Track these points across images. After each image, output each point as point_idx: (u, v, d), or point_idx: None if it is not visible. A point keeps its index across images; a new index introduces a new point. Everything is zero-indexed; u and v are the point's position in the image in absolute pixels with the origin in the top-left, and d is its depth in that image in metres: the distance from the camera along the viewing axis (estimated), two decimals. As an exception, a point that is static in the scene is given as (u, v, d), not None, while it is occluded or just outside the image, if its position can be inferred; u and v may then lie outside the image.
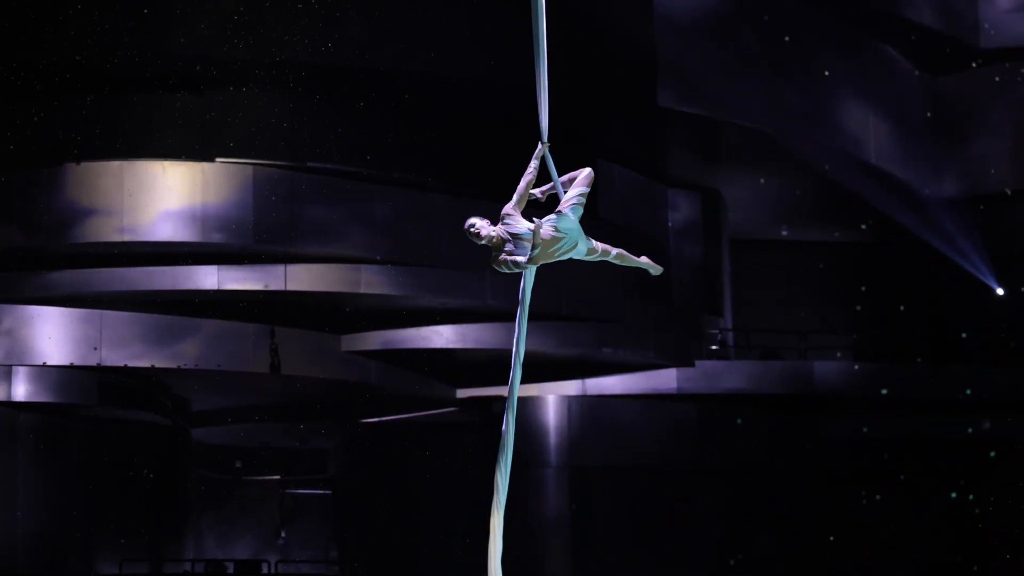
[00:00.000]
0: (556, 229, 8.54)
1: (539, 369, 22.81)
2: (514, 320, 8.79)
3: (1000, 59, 25.48)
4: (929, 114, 25.95)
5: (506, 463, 8.75)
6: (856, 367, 25.42)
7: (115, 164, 19.65)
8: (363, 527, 26.82)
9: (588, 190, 8.62)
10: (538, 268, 8.74)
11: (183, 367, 21.36)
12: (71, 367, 21.14)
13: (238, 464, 28.77)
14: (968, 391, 25.05)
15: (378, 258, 20.61)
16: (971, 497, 26.46)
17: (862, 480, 26.21)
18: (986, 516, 26.57)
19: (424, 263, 20.84)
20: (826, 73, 24.03)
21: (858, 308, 28.88)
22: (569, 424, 24.19)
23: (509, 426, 8.78)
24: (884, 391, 25.02)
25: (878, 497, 26.31)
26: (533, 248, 8.50)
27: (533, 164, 8.64)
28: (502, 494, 8.61)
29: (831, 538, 25.67)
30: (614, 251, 8.88)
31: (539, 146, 8.64)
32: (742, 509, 25.20)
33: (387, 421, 26.67)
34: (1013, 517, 26.31)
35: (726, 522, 25.08)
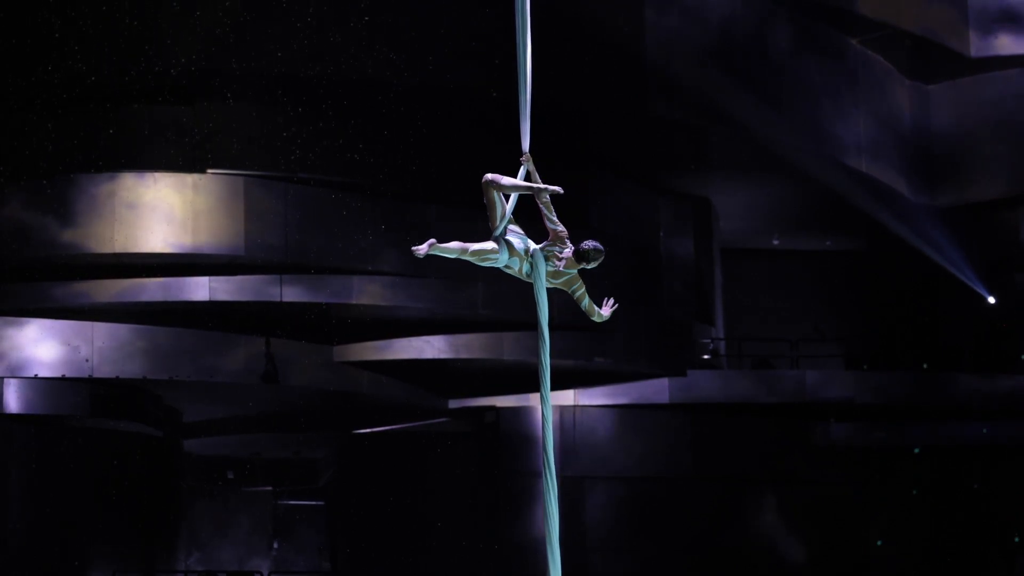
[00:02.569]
0: None
1: (531, 379, 22.76)
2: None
3: (989, 68, 25.53)
4: (920, 123, 25.98)
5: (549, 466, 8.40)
6: (848, 376, 25.43)
7: (107, 176, 19.65)
8: (355, 537, 26.79)
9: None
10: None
11: (175, 378, 21.35)
12: (63, 379, 21.11)
13: (230, 475, 28.76)
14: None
15: (369, 268, 20.61)
16: (967, 504, 26.47)
17: (855, 489, 26.20)
18: (982, 522, 26.58)
19: (415, 274, 20.83)
20: (818, 82, 24.06)
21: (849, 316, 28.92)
22: (562, 434, 24.19)
23: (547, 433, 8.53)
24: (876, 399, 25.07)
25: (871, 505, 26.30)
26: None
27: (520, 176, 8.61)
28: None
29: (827, 545, 25.67)
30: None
31: (522, 161, 8.58)
32: (735, 518, 25.19)
33: (379, 431, 26.66)
34: (1009, 523, 26.32)
35: (719, 531, 25.07)
